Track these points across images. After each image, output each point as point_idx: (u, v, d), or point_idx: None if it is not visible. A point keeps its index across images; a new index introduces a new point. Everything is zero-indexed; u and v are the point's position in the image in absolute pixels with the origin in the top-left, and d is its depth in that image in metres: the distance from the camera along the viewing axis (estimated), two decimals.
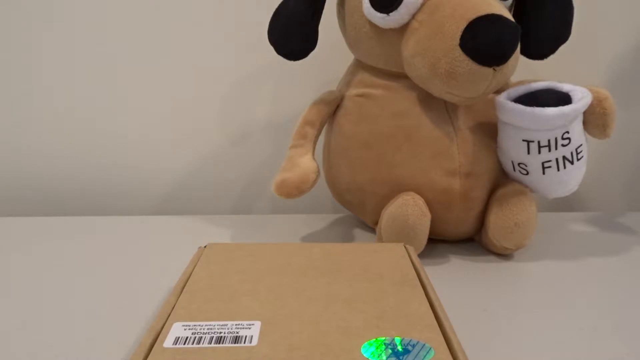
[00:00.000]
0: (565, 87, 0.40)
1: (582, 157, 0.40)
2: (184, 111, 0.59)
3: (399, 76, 0.42)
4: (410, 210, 0.39)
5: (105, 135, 0.60)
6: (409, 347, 0.22)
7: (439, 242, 0.46)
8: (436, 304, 0.26)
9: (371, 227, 0.49)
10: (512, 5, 0.43)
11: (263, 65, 0.58)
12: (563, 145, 0.39)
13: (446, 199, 0.41)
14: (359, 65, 0.46)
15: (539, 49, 0.44)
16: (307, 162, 0.44)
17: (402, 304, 0.26)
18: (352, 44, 0.45)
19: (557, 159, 0.39)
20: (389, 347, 0.22)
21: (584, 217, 0.55)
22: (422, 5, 0.39)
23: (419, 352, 0.22)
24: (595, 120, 0.40)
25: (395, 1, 0.39)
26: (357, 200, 0.46)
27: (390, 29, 0.40)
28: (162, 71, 0.58)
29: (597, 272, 0.41)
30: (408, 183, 0.42)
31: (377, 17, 0.40)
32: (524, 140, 0.39)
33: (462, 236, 0.45)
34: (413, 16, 0.39)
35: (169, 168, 0.61)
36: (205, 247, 0.34)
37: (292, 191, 0.43)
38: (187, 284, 0.29)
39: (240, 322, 0.24)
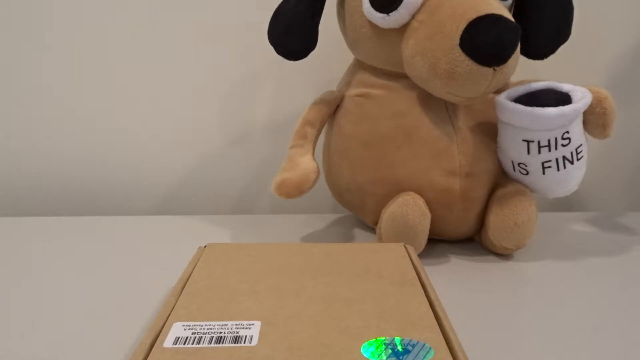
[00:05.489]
0: (565, 87, 0.40)
1: (582, 157, 0.40)
2: (184, 111, 0.59)
3: (399, 76, 0.42)
4: (410, 210, 0.39)
5: (105, 136, 0.60)
6: (409, 347, 0.22)
7: (439, 242, 0.46)
8: (436, 304, 0.26)
9: (371, 227, 0.49)
10: (512, 5, 0.43)
11: (263, 65, 0.58)
12: (563, 145, 0.39)
13: (446, 199, 0.41)
14: (359, 65, 0.46)
15: (539, 49, 0.44)
16: (307, 162, 0.44)
17: (402, 304, 0.26)
18: (352, 44, 0.45)
19: (557, 159, 0.39)
20: (389, 347, 0.22)
21: (584, 217, 0.55)
22: (422, 5, 0.39)
23: (419, 352, 0.22)
24: (595, 120, 0.40)
25: (395, 1, 0.39)
26: (357, 200, 0.46)
27: (390, 29, 0.40)
28: (162, 71, 0.58)
29: (597, 272, 0.41)
30: (408, 183, 0.42)
31: (377, 17, 0.40)
32: (524, 140, 0.39)
33: (462, 236, 0.45)
34: (413, 16, 0.39)
35: (169, 168, 0.61)
36: (205, 247, 0.34)
37: (292, 191, 0.43)
38: (187, 284, 0.29)
39: (240, 322, 0.24)
